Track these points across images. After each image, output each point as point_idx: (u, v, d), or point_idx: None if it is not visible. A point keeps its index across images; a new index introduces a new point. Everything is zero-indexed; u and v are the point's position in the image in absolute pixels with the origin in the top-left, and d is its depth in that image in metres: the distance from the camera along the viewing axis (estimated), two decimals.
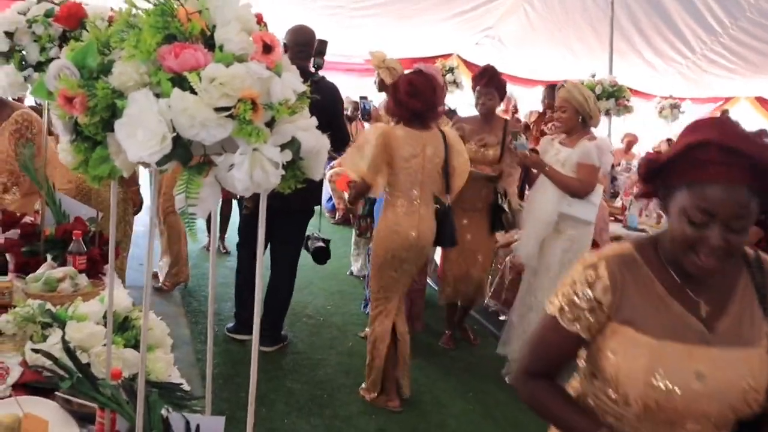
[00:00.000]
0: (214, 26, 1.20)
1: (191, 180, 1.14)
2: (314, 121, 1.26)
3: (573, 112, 4.14)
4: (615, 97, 6.74)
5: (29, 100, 4.98)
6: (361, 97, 5.70)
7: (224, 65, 1.12)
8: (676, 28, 9.23)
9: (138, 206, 4.41)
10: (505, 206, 4.59)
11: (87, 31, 1.29)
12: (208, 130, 1.10)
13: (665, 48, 9.84)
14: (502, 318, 5.29)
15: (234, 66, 1.12)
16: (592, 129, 4.29)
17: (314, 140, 1.23)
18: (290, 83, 1.18)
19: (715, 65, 10.16)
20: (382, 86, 5.12)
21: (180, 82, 1.12)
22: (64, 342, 1.83)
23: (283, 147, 1.18)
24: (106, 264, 3.03)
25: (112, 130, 1.18)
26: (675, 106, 10.33)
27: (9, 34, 2.78)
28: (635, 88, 10.34)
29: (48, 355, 1.78)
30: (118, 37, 1.21)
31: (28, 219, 3.21)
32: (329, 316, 5.48)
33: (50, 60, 2.83)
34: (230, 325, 4.81)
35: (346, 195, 5.91)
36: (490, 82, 4.64)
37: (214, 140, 1.11)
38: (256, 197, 4.55)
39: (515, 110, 8.60)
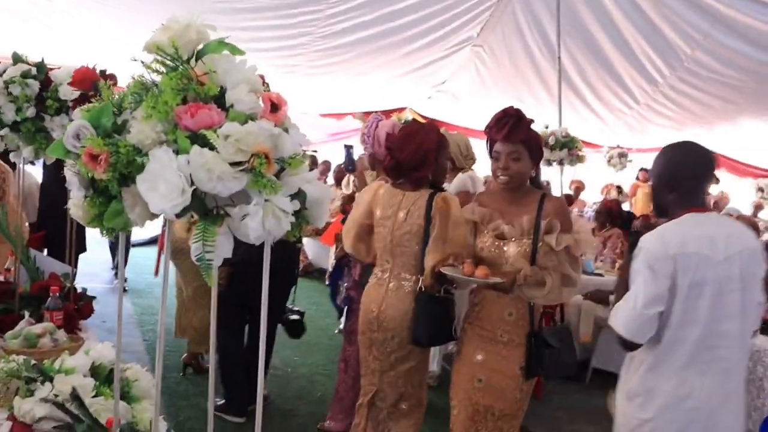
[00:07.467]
0: (223, 87, 1.30)
1: (207, 229, 1.22)
2: (315, 173, 1.36)
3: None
4: (568, 147, 6.98)
5: None
6: (346, 146, 4.89)
7: (238, 123, 1.22)
8: (620, 79, 9.66)
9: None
10: (554, 341, 2.85)
11: (99, 93, 1.37)
12: (224, 183, 1.19)
13: (611, 98, 10.27)
14: None
15: (248, 124, 1.22)
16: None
17: (318, 191, 1.33)
18: (297, 139, 1.28)
19: (658, 114, 10.61)
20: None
21: (197, 139, 1.21)
22: (74, 392, 1.88)
23: (291, 198, 1.27)
24: (82, 319, 3.06)
25: (128, 186, 1.26)
26: (623, 155, 10.77)
27: None
28: (585, 139, 10.73)
29: (59, 405, 1.82)
30: (132, 98, 1.30)
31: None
32: (296, 367, 5.48)
33: (26, 119, 2.89)
34: (220, 403, 4.39)
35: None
36: (512, 134, 2.80)
37: (229, 192, 1.20)
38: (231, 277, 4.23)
39: None
